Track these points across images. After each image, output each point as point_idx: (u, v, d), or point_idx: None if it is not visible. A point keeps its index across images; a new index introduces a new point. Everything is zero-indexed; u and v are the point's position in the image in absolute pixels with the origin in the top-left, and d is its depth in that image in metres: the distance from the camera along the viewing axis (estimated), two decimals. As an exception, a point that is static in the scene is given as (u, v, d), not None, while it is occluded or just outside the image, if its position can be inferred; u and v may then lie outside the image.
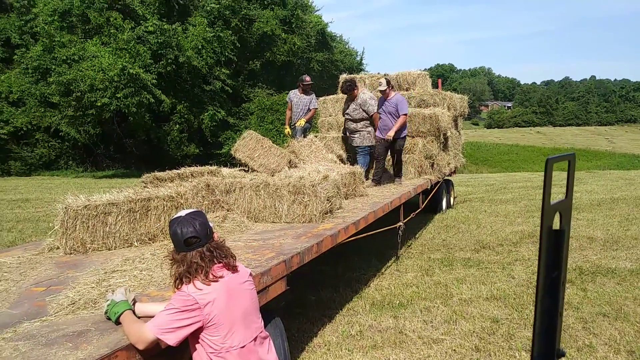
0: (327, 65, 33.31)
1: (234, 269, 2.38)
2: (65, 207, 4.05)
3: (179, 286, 2.27)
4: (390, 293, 5.81)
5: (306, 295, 5.85)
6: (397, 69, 11.69)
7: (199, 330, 2.22)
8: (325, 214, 5.36)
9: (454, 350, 4.27)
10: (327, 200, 5.39)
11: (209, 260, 2.29)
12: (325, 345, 4.50)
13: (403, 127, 8.18)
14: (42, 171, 25.85)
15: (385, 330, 4.74)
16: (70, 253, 4.05)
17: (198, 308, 2.19)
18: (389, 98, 8.17)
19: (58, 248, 4.15)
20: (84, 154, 28.13)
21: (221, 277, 2.29)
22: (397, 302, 5.49)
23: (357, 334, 4.69)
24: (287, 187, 5.35)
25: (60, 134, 25.89)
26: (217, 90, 27.38)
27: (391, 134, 7.95)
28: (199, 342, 2.25)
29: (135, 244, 4.25)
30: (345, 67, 31.93)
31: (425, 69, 11.43)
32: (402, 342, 4.48)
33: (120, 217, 4.22)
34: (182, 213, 2.39)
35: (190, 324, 2.18)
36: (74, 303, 2.75)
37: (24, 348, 2.20)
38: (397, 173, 8.64)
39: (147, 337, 2.15)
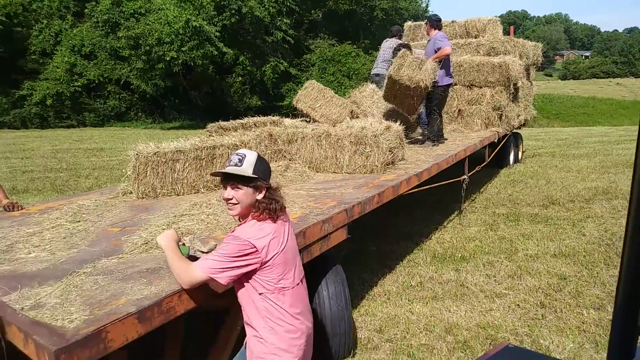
0: (391, 13, 32.12)
1: (285, 212, 2.41)
2: (137, 154, 4.22)
3: (252, 216, 2.27)
4: (452, 246, 5.73)
5: (367, 245, 5.89)
6: (465, 16, 10.95)
7: (253, 272, 2.24)
8: (387, 165, 5.29)
9: (518, 305, 4.18)
10: (390, 151, 5.30)
11: (277, 201, 2.32)
12: (385, 294, 4.54)
13: (445, 69, 6.96)
14: (114, 122, 27.11)
15: (446, 283, 4.71)
16: (142, 197, 4.25)
17: (255, 252, 2.19)
18: (430, 38, 7.52)
19: (131, 193, 4.36)
20: (152, 105, 29.14)
21: (279, 218, 2.32)
22: (459, 255, 5.42)
23: (417, 285, 4.69)
24: (349, 138, 5.29)
25: (131, 86, 26.86)
26: (278, 41, 27.23)
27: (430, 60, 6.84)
28: (249, 283, 2.25)
29: (202, 190, 4.39)
30: (410, 14, 30.71)
31: (495, 17, 10.75)
32: (463, 294, 4.43)
33: (187, 164, 4.35)
34: None
35: (246, 266, 2.19)
36: (146, 243, 2.89)
37: (103, 282, 2.35)
38: (430, 134, 7.25)
39: (196, 276, 2.17)
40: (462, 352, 3.54)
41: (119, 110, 27.82)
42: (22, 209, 4.00)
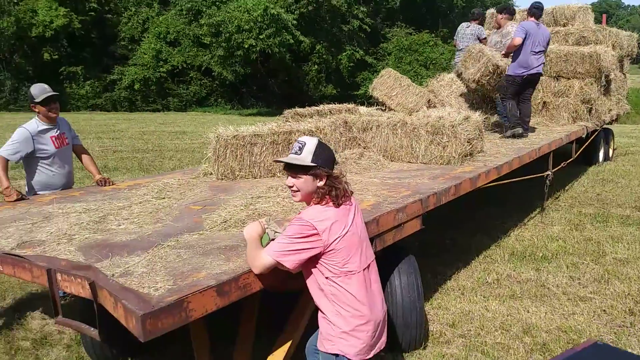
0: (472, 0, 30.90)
1: (350, 197, 2.40)
2: (217, 136, 4.37)
3: (313, 202, 2.30)
4: (532, 245, 5.47)
5: (442, 238, 5.75)
6: (553, 2, 10.29)
7: (317, 256, 2.26)
8: (465, 156, 5.12)
9: (604, 310, 3.92)
10: (468, 142, 5.12)
11: (338, 187, 2.32)
12: (459, 289, 4.42)
13: (515, 60, 6.66)
14: (195, 107, 28.27)
15: (525, 282, 4.50)
16: (221, 179, 4.41)
17: (316, 234, 2.21)
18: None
19: (211, 174, 4.53)
20: (232, 92, 30.06)
21: (343, 203, 2.31)
22: (540, 254, 5.15)
23: (493, 282, 4.53)
24: (425, 127, 5.17)
25: (212, 73, 27.85)
26: (355, 30, 27.06)
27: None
28: (316, 267, 2.29)
29: (278, 174, 4.47)
30: (492, 1, 29.38)
31: (586, 4, 10.02)
32: (543, 295, 4.22)
33: (264, 148, 4.45)
34: None
35: (309, 249, 2.21)
36: (225, 221, 3.00)
37: (185, 255, 2.47)
38: (510, 122, 6.88)
39: (265, 261, 2.22)
40: (540, 354, 3.37)
41: (200, 95, 28.94)
42: (113, 184, 4.28)
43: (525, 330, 3.67)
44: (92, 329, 2.36)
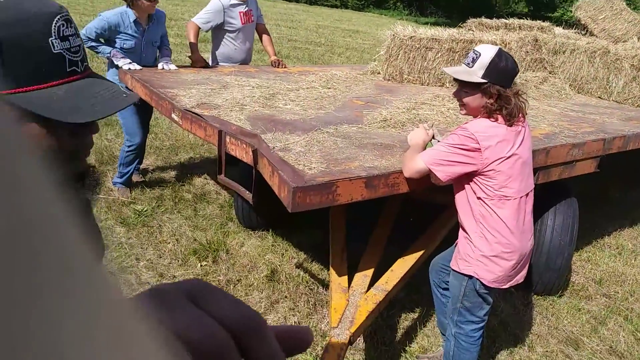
0: None
1: (524, 118, 2.14)
2: (393, 35, 4.22)
3: (481, 116, 2.13)
4: None
5: (611, 190, 5.12)
6: None
7: (473, 173, 2.11)
8: (675, 102, 4.32)
9: None
10: (684, 86, 4.28)
11: (516, 105, 2.08)
12: (618, 247, 3.97)
13: None
14: (372, 8, 27.69)
15: None
16: (388, 79, 4.32)
17: (478, 150, 2.03)
18: None
19: (379, 73, 4.46)
20: (412, -3, 28.72)
21: (514, 123, 2.09)
22: None
23: (664, 249, 3.97)
24: (631, 60, 4.41)
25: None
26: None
27: None
28: (469, 185, 2.14)
29: (447, 84, 4.24)
30: None
31: None
32: None
33: (439, 54, 4.20)
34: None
35: (466, 164, 2.06)
36: (385, 120, 2.96)
37: (341, 144, 2.51)
38: None
39: (417, 165, 2.13)
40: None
41: (380, -4, 28.17)
42: (285, 67, 4.45)
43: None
44: (248, 192, 2.59)
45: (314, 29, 14.67)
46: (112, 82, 0.74)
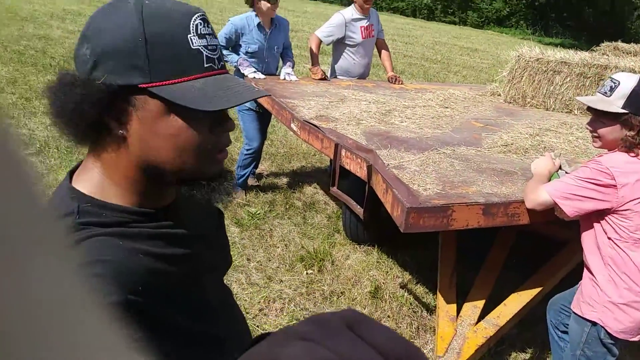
0: None
1: None
2: (518, 56, 4.03)
3: (619, 150, 1.94)
4: None
5: None
6: None
7: (606, 211, 1.91)
8: None
9: None
10: None
11: None
12: None
13: None
14: (493, 26, 26.76)
15: None
16: (509, 102, 4.13)
17: (613, 186, 1.85)
18: None
19: (499, 94, 4.28)
20: (537, 15, 27.30)
21: None
22: None
23: None
24: None
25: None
26: None
27: None
28: (599, 223, 1.96)
29: (576, 112, 3.95)
30: None
31: None
32: None
33: (568, 79, 3.94)
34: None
35: (598, 200, 1.88)
36: (506, 145, 2.83)
37: (458, 167, 2.44)
38: None
39: (541, 197, 1.99)
40: None
41: (501, 14, 27.17)
42: (402, 84, 4.43)
43: None
44: (359, 207, 2.60)
45: (430, 45, 14.49)
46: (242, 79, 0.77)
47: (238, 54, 3.77)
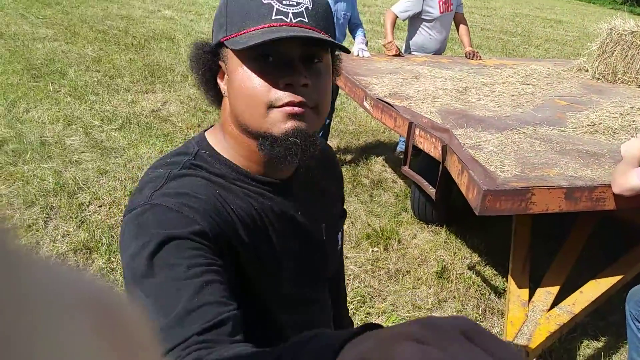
0: None
1: None
2: (611, 29, 3.75)
3: None
4: None
5: None
6: None
7: None
8: None
9: None
10: None
11: None
12: None
13: None
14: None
15: None
16: (598, 78, 3.86)
17: None
18: None
19: (587, 70, 4.01)
20: (632, -18, 25.04)
21: None
22: None
23: None
24: None
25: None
26: None
27: None
28: None
29: (673, 89, 3.64)
30: None
31: None
32: None
33: (667, 53, 3.61)
34: None
35: None
36: (593, 125, 2.66)
37: (539, 148, 2.33)
38: None
39: (631, 182, 1.89)
40: None
41: (591, -18, 25.15)
42: (480, 59, 4.26)
43: None
44: (431, 187, 2.56)
45: (510, 17, 13.74)
46: None
47: None
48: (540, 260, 2.88)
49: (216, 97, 0.80)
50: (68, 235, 3.02)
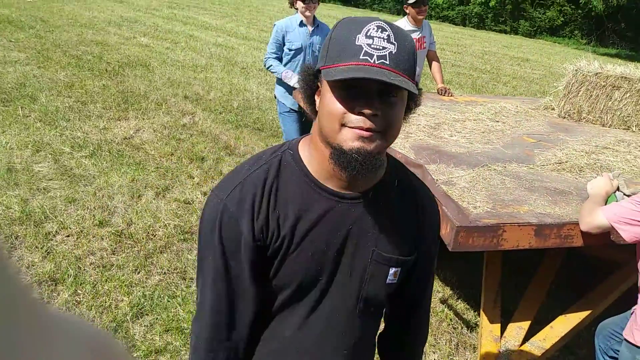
0: None
1: None
2: (576, 70, 3.91)
3: None
4: None
5: None
6: None
7: None
8: None
9: None
10: None
11: None
12: None
13: None
14: (545, 35, 26.01)
15: None
16: (564, 117, 4.01)
17: None
18: None
19: (553, 109, 4.16)
20: (593, 25, 26.35)
21: None
22: None
23: None
24: None
25: (579, 1, 24.71)
26: None
27: None
28: None
29: (634, 128, 3.80)
30: None
31: None
32: None
33: (628, 94, 3.78)
34: None
35: None
36: (560, 163, 2.75)
37: (509, 184, 2.39)
38: None
39: (597, 220, 1.93)
40: None
41: (554, 23, 26.38)
42: (451, 96, 4.38)
43: None
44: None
45: (480, 54, 14.23)
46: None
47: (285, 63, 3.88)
48: (511, 295, 2.91)
49: (314, 111, 0.97)
50: (33, 266, 2.92)
